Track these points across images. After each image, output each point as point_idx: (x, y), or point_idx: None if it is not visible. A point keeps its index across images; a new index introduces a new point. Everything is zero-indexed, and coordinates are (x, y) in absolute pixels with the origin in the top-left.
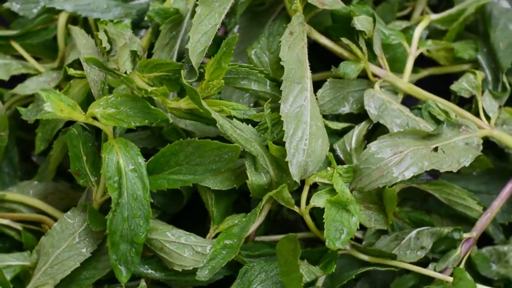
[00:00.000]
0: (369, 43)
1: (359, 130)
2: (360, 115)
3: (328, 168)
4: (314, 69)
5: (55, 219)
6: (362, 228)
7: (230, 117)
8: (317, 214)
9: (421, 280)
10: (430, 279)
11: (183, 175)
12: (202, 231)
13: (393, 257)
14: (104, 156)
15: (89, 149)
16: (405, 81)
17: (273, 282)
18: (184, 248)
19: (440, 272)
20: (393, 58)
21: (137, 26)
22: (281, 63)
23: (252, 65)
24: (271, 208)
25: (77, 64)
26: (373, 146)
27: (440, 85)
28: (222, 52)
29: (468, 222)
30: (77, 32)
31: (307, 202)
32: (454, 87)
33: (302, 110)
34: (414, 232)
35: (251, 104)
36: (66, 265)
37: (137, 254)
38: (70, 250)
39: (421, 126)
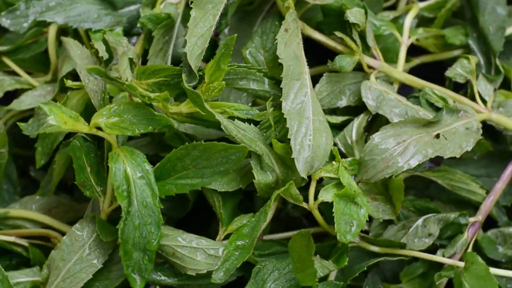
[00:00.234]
0: (362, 35)
1: (359, 122)
2: (358, 108)
3: (333, 162)
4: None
5: (62, 233)
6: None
7: (231, 118)
8: (324, 209)
9: (430, 267)
10: (438, 266)
11: (191, 179)
12: (207, 235)
13: (403, 246)
14: (110, 165)
15: (92, 160)
16: (400, 71)
17: (287, 279)
18: (196, 252)
19: (449, 258)
20: (384, 48)
21: (128, 33)
22: (279, 60)
23: (250, 65)
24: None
25: (70, 76)
26: (376, 137)
27: (430, 72)
28: (221, 54)
29: (470, 207)
30: (71, 43)
31: (315, 198)
32: (448, 73)
33: (304, 106)
34: (420, 220)
35: (249, 104)
36: (78, 277)
37: (151, 261)
38: (81, 263)
39: (421, 114)
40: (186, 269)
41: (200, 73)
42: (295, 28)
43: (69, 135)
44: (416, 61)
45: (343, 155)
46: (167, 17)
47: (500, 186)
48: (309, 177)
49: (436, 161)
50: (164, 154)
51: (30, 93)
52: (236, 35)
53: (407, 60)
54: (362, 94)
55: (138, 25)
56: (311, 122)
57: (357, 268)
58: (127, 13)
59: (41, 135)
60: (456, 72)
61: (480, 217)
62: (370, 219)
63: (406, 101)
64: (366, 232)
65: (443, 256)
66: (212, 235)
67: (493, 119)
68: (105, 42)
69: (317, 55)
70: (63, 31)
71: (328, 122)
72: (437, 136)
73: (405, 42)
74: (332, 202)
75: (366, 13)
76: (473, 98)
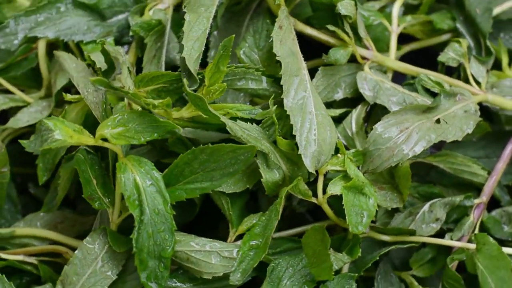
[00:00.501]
0: (353, 27)
1: (357, 113)
2: (354, 99)
3: (339, 155)
4: None
5: (72, 247)
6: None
7: (233, 118)
8: (333, 202)
9: (438, 252)
10: (446, 250)
11: (200, 182)
12: (216, 237)
13: (412, 233)
14: (119, 175)
15: (97, 172)
16: (393, 59)
17: (302, 275)
18: (211, 255)
19: (458, 240)
20: (374, 38)
21: (119, 43)
22: (276, 58)
23: (247, 65)
24: None
25: (64, 90)
26: (379, 126)
27: (419, 59)
28: (220, 55)
29: (472, 189)
30: (65, 56)
31: (323, 192)
32: (441, 57)
33: (305, 101)
34: (427, 206)
35: (247, 104)
36: None
37: (166, 268)
38: (95, 276)
39: (419, 100)
40: (202, 273)
41: (199, 76)
42: (289, 25)
43: (70, 149)
44: (406, 48)
45: (345, 148)
46: (158, 23)
47: (501, 166)
48: (316, 172)
49: (437, 146)
50: (166, 160)
51: (26, 110)
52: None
53: (398, 48)
54: (358, 85)
55: (130, 33)
56: (314, 116)
57: (369, 258)
58: (116, 22)
59: (42, 151)
60: (449, 56)
61: (484, 198)
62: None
63: (402, 89)
64: (373, 222)
65: (451, 239)
66: (221, 238)
67: (489, 100)
68: (104, 52)
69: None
70: (51, 45)
71: None
72: (438, 121)
73: (395, 30)
74: (340, 195)
75: (356, 4)
76: (466, 81)
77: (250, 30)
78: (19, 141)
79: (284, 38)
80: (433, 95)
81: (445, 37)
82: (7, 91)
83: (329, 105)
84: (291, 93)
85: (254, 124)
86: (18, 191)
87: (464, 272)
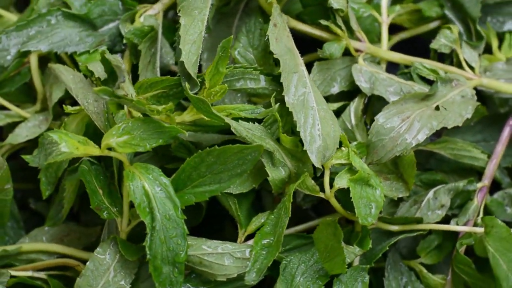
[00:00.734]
0: (345, 20)
1: (355, 106)
2: (350, 92)
3: (343, 148)
4: None
5: (81, 260)
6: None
7: (235, 119)
8: (340, 196)
9: (444, 238)
10: (452, 235)
11: (209, 185)
12: (223, 239)
13: (419, 221)
14: (128, 184)
15: (102, 182)
16: (386, 50)
17: (314, 270)
18: (223, 257)
19: (464, 225)
20: (364, 30)
21: (111, 51)
22: (274, 56)
23: (245, 64)
24: None
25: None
26: (380, 117)
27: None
28: (219, 57)
29: (473, 173)
30: (61, 69)
31: (331, 186)
32: (433, 45)
33: (306, 97)
34: (431, 193)
35: (245, 103)
36: None
37: (181, 273)
38: (108, 286)
39: (416, 88)
40: (216, 275)
41: (199, 79)
42: (282, 22)
43: (72, 161)
44: (396, 38)
45: None
46: (150, 29)
47: (500, 148)
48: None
49: (437, 133)
50: (170, 166)
51: (24, 125)
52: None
53: (388, 39)
54: (354, 78)
55: (124, 41)
56: (317, 111)
57: (378, 249)
58: (108, 31)
59: (44, 165)
60: (441, 43)
61: (486, 181)
62: None
63: (398, 79)
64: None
65: (457, 224)
66: (227, 239)
67: (484, 84)
68: (104, 62)
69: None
70: (42, 59)
71: None
72: (437, 108)
73: (385, 21)
74: (346, 189)
75: None
76: (459, 67)
77: (243, 30)
78: (22, 156)
79: (279, 35)
80: (429, 82)
81: (433, 24)
82: (2, 107)
83: (326, 99)
84: (291, 90)
85: (256, 123)
86: (18, 207)
87: (471, 256)
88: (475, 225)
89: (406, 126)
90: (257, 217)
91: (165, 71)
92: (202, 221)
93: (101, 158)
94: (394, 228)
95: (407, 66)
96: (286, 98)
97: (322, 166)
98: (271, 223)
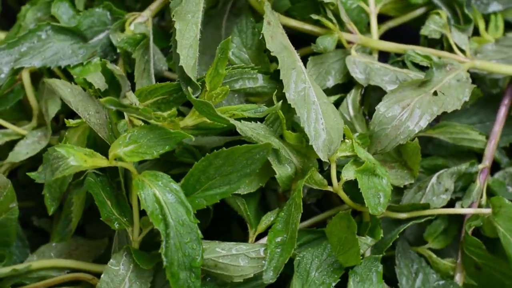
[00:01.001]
0: (335, 13)
1: (352, 98)
2: (344, 85)
3: (346, 141)
4: None
5: (92, 273)
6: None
7: (237, 119)
8: (347, 188)
9: (450, 222)
10: (457, 219)
11: (218, 187)
12: (231, 240)
13: (426, 207)
14: (139, 192)
15: (109, 193)
16: (377, 40)
17: (328, 264)
18: (238, 258)
19: (469, 207)
20: (352, 22)
21: None
22: (271, 54)
23: (243, 65)
24: None
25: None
26: (381, 107)
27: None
28: (218, 59)
29: (471, 155)
30: (58, 83)
31: (338, 179)
32: (423, 31)
33: (307, 92)
34: (434, 178)
35: (243, 103)
36: None
37: (198, 278)
38: None
39: (411, 76)
40: (232, 277)
41: (199, 82)
42: (275, 20)
43: (75, 175)
44: (384, 27)
45: None
46: (142, 37)
47: (497, 128)
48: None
49: (436, 118)
50: (174, 171)
51: (23, 142)
52: (229, 38)
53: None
54: (349, 70)
55: (118, 50)
56: (318, 106)
57: (388, 238)
58: (98, 42)
59: (48, 181)
60: (431, 28)
61: (487, 162)
62: None
63: (393, 67)
64: None
65: (462, 207)
66: (236, 240)
67: (477, 66)
68: (105, 72)
69: None
70: (34, 74)
71: None
72: (435, 93)
73: (373, 11)
74: (353, 180)
75: None
76: (450, 51)
77: (235, 30)
78: (28, 174)
79: (274, 33)
80: (423, 69)
81: (420, 11)
82: None
83: None
84: (291, 86)
85: (258, 122)
86: (21, 225)
87: (478, 238)
88: (480, 206)
89: (407, 114)
90: (266, 216)
91: (159, 77)
92: (209, 224)
93: (105, 169)
94: (402, 215)
95: (398, 55)
96: (287, 95)
97: (328, 159)
98: (282, 220)
